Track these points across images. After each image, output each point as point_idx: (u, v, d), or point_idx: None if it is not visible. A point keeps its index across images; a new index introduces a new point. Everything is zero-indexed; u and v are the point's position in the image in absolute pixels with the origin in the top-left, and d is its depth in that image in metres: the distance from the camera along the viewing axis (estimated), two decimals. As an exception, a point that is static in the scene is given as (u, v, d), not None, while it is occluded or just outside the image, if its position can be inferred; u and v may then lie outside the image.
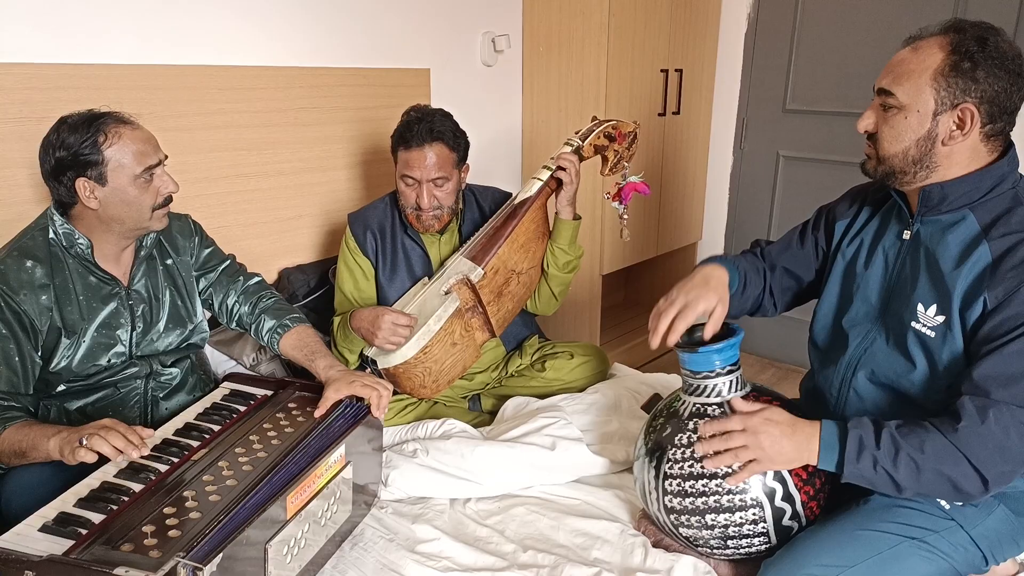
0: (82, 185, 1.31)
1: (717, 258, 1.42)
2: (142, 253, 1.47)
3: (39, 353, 1.34)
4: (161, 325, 1.49)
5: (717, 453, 1.19)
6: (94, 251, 1.39)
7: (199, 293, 1.58)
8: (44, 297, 1.34)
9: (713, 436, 1.20)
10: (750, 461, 1.17)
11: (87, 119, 1.32)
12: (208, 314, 1.64)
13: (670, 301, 1.30)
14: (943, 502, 1.20)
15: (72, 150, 1.29)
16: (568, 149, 1.82)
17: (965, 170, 1.16)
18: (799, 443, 1.15)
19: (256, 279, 1.64)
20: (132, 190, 1.34)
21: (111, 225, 1.37)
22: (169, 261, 1.53)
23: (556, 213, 1.85)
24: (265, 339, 1.57)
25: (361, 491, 1.36)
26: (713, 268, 1.37)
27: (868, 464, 1.10)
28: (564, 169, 1.79)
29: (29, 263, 1.33)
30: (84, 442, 1.14)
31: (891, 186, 1.23)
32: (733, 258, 1.45)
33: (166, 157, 1.40)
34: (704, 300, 1.29)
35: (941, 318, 1.16)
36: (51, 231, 1.37)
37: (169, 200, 1.40)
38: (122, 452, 1.15)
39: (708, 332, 1.30)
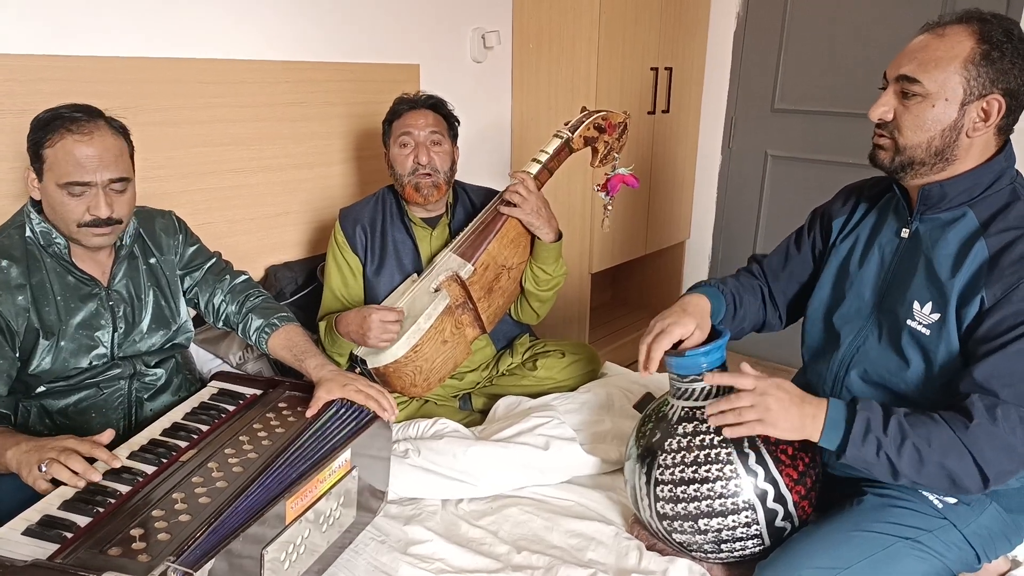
0: (28, 171, 1.31)
1: (701, 286, 1.43)
2: (122, 252, 1.43)
3: (17, 355, 1.31)
4: (144, 326, 1.46)
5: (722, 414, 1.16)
6: (71, 250, 1.36)
7: (184, 292, 1.55)
8: (20, 298, 1.30)
9: (721, 400, 1.17)
10: (753, 421, 1.13)
11: (52, 115, 1.28)
12: (193, 313, 1.60)
13: (647, 330, 1.32)
14: (936, 501, 1.21)
15: (31, 138, 1.29)
16: (534, 168, 1.77)
17: (975, 163, 1.15)
18: (804, 415, 1.12)
19: (243, 277, 1.61)
20: (57, 197, 1.28)
21: (54, 226, 1.34)
22: (152, 260, 1.49)
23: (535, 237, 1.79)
24: (253, 339, 1.54)
25: (368, 496, 1.34)
26: (692, 296, 1.38)
27: (872, 448, 1.08)
28: (512, 204, 1.72)
29: (4, 263, 1.30)
30: (43, 468, 1.09)
31: (901, 179, 1.21)
32: (718, 283, 1.45)
33: (119, 179, 1.30)
34: (680, 326, 1.29)
35: (936, 315, 1.16)
36: (28, 229, 1.34)
37: (103, 223, 1.30)
38: (80, 476, 1.10)
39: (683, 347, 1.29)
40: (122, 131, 1.34)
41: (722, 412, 1.16)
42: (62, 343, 1.34)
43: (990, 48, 1.08)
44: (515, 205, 1.72)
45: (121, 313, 1.42)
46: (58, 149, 1.26)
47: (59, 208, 1.29)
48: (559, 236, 1.80)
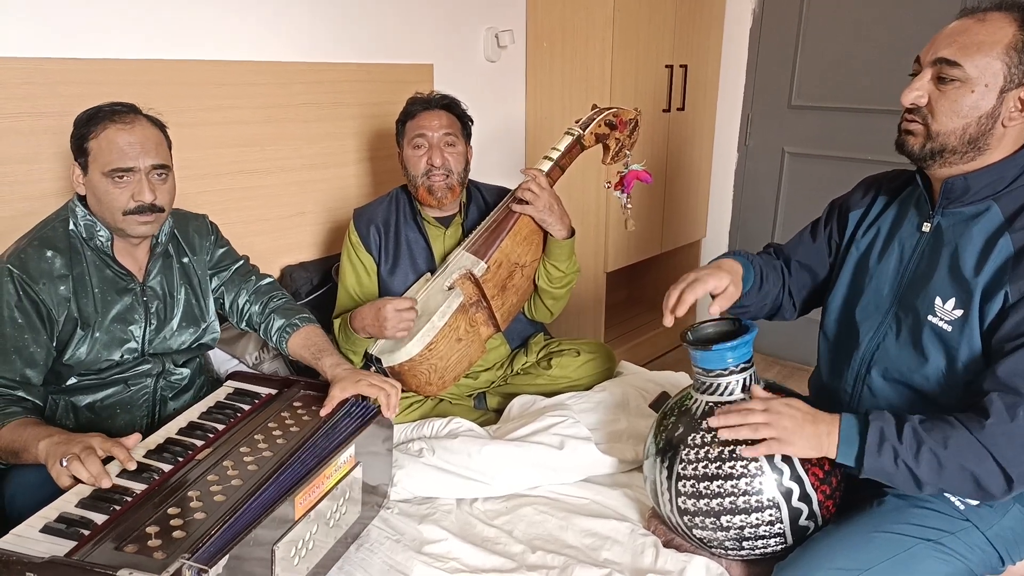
0: (73, 167, 1.35)
1: (731, 253, 1.41)
2: (158, 250, 1.47)
3: (54, 344, 1.34)
4: (175, 323, 1.49)
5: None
6: (113, 244, 1.39)
7: (211, 291, 1.58)
8: (63, 288, 1.34)
9: (731, 414, 1.18)
10: (770, 440, 1.13)
11: (94, 110, 1.34)
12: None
13: (681, 278, 1.30)
14: (957, 502, 1.19)
15: (75, 136, 1.34)
16: (546, 166, 1.78)
17: (1004, 155, 1.13)
18: (819, 432, 1.13)
19: (268, 280, 1.64)
20: (102, 186, 1.32)
21: (99, 218, 1.38)
22: (185, 260, 1.53)
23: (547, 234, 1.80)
24: (274, 339, 1.57)
25: (371, 492, 1.34)
26: (726, 259, 1.37)
27: (889, 458, 1.07)
28: (524, 201, 1.72)
29: (49, 253, 1.34)
30: (64, 463, 1.11)
31: (928, 168, 1.18)
32: (747, 254, 1.43)
33: (160, 166, 1.35)
34: (715, 278, 1.28)
35: (959, 312, 1.14)
36: (71, 222, 1.38)
37: (147, 209, 1.34)
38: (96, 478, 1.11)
39: (715, 308, 1.27)
40: (159, 124, 1.40)
41: (733, 426, 1.17)
42: (97, 334, 1.38)
43: None
44: (527, 202, 1.72)
45: (154, 309, 1.46)
46: (102, 139, 1.31)
47: (105, 198, 1.33)
48: (572, 233, 1.79)
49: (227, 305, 1.60)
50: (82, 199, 1.38)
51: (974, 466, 1.05)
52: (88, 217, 1.37)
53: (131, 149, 1.32)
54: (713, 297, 1.29)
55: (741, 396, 1.24)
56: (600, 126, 1.83)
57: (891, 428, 1.09)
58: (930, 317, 1.17)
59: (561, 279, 1.83)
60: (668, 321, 1.28)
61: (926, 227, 1.22)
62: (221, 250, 1.60)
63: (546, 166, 1.78)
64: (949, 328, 1.15)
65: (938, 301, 1.16)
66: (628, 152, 1.88)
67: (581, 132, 1.81)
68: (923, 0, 2.49)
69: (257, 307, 1.59)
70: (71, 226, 1.38)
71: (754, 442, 1.16)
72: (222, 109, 1.91)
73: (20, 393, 1.29)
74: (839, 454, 1.12)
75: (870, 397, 1.26)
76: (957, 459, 1.05)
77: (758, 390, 1.21)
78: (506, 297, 1.79)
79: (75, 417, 1.43)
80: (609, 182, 1.88)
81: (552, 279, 1.83)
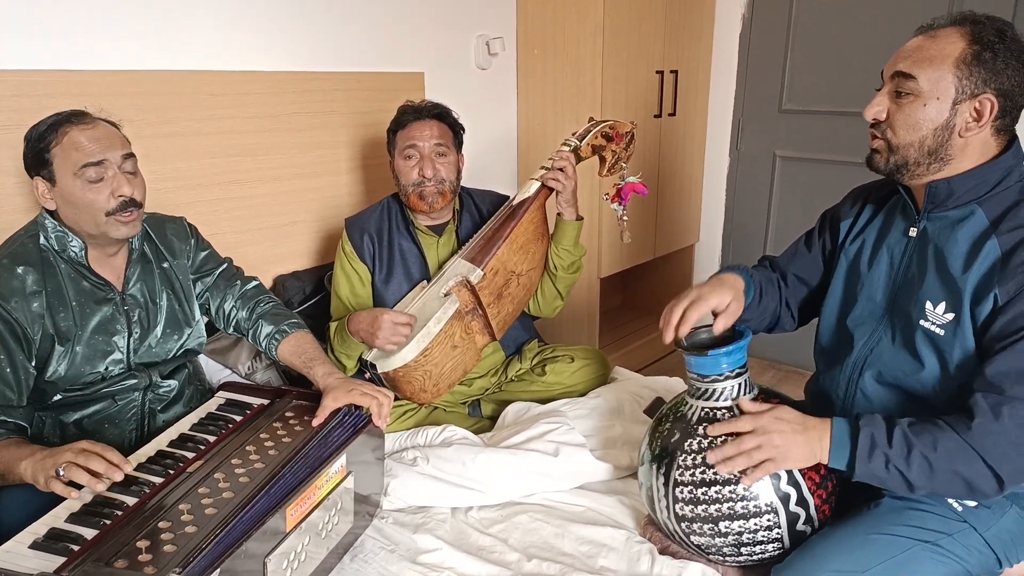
0: (36, 184, 1.32)
1: (730, 267, 1.41)
2: (134, 256, 1.45)
3: (33, 363, 1.31)
4: (159, 330, 1.47)
5: (729, 459, 1.17)
6: (87, 254, 1.37)
7: (196, 297, 1.56)
8: (36, 304, 1.31)
9: (724, 441, 1.18)
10: (765, 461, 1.14)
11: (50, 119, 1.31)
12: (205, 320, 1.61)
13: (683, 295, 1.29)
14: (955, 504, 1.18)
15: (32, 150, 1.30)
16: (566, 149, 1.80)
17: (975, 164, 1.14)
18: (811, 440, 1.13)
19: (254, 283, 1.62)
20: (76, 190, 1.29)
21: (74, 228, 1.35)
22: (166, 264, 1.50)
23: (558, 214, 1.83)
24: (263, 345, 1.55)
25: (363, 501, 1.33)
26: (727, 273, 1.37)
27: (880, 463, 1.08)
28: (561, 170, 1.76)
29: (20, 270, 1.30)
30: (61, 473, 1.09)
31: (899, 180, 1.20)
32: (745, 268, 1.43)
33: (128, 156, 1.34)
34: (717, 295, 1.28)
35: (950, 315, 1.14)
36: (42, 237, 1.35)
37: (130, 205, 1.32)
38: (101, 478, 1.10)
39: (719, 326, 1.28)
40: (115, 125, 1.38)
41: (729, 458, 1.16)
42: (77, 348, 1.35)
43: (982, 48, 1.08)
44: (561, 175, 1.77)
45: (136, 318, 1.43)
46: (65, 143, 1.29)
47: (82, 203, 1.30)
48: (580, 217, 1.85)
49: (213, 310, 1.58)
50: (51, 213, 1.35)
51: (964, 468, 1.05)
52: (59, 229, 1.34)
53: (97, 144, 1.30)
54: (716, 315, 1.29)
55: (736, 401, 1.24)
56: (596, 138, 1.84)
57: (881, 434, 1.09)
58: (922, 321, 1.17)
59: (574, 264, 1.87)
60: (668, 338, 1.27)
61: (913, 232, 1.23)
62: (203, 253, 1.57)
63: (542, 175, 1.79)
64: (941, 332, 1.15)
65: (928, 305, 1.17)
66: (624, 164, 1.89)
67: (577, 144, 1.82)
68: (911, 4, 2.51)
69: (244, 312, 1.57)
70: (42, 240, 1.35)
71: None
72: (215, 119, 1.90)
73: (0, 416, 1.26)
74: (831, 459, 1.12)
75: (863, 400, 1.26)
76: (947, 462, 1.05)
77: (746, 403, 1.21)
78: (502, 305, 1.79)
79: (62, 434, 1.40)
80: (607, 194, 1.89)
81: (565, 265, 1.86)
